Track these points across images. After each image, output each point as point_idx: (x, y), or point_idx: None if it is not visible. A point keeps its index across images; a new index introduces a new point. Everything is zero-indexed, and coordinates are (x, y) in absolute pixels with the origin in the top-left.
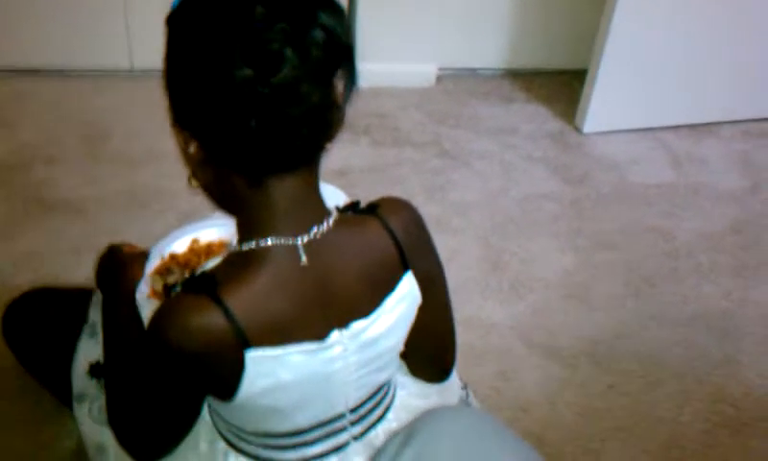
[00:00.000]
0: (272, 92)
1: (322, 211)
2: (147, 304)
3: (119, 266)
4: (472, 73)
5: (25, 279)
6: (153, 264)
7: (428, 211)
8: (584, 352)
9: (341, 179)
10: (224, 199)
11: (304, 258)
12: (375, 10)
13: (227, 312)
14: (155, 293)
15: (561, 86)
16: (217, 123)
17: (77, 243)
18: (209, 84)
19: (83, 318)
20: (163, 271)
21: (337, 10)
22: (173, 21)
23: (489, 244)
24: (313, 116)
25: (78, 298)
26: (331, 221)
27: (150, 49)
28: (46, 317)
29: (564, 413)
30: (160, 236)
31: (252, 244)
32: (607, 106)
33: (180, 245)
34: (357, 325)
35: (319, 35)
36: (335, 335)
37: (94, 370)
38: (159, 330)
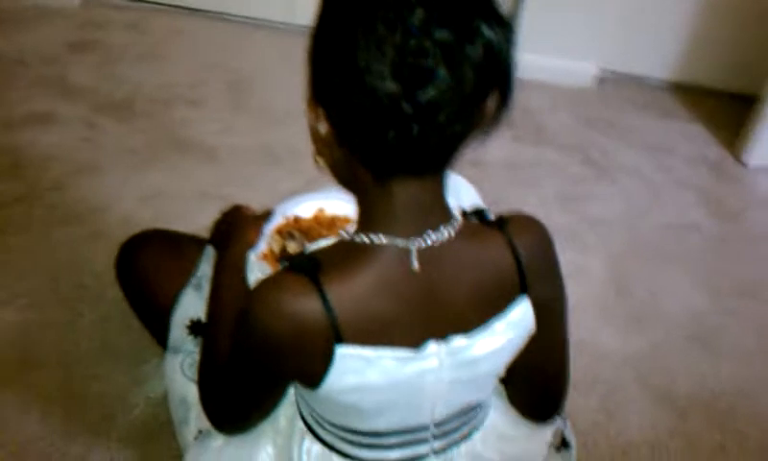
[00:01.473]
0: (415, 111)
1: (444, 217)
2: (257, 267)
3: (236, 228)
4: (635, 80)
5: (148, 215)
6: (275, 221)
7: (559, 221)
8: (700, 403)
9: (473, 169)
10: (348, 182)
11: (416, 264)
12: None
13: (324, 301)
14: (271, 253)
15: (729, 110)
16: (353, 120)
17: (204, 188)
18: (352, 84)
19: (192, 267)
20: (284, 233)
21: (503, 22)
22: (331, 3)
23: (618, 267)
24: (454, 137)
25: (191, 246)
26: (452, 229)
27: (313, 5)
28: (157, 260)
29: None
30: (287, 195)
31: (366, 238)
32: None
33: (305, 209)
34: (458, 341)
35: (478, 53)
36: (432, 347)
37: (194, 327)
38: (254, 307)
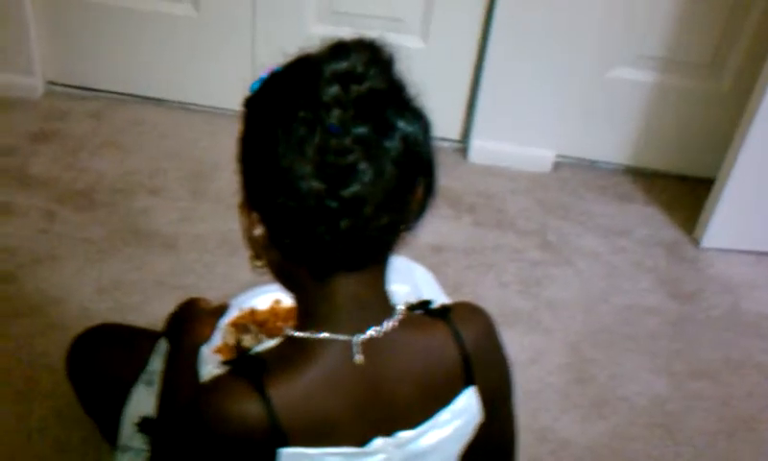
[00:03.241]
0: (341, 207)
1: (386, 309)
2: (210, 361)
3: (190, 320)
4: (591, 165)
5: (105, 306)
6: (231, 314)
7: (519, 305)
8: None
9: (436, 256)
10: (287, 282)
11: (358, 357)
12: (498, 87)
13: (268, 404)
14: (225, 347)
15: (684, 193)
16: (284, 221)
17: (162, 278)
18: (278, 186)
19: (144, 362)
20: (239, 326)
21: (419, 115)
22: (250, 106)
23: (577, 351)
24: (384, 228)
25: (144, 340)
26: (394, 321)
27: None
28: (108, 355)
29: None
30: (247, 284)
31: (308, 334)
32: (731, 221)
33: (262, 301)
34: (404, 435)
35: (396, 146)
36: (379, 443)
37: (144, 424)
38: (197, 410)
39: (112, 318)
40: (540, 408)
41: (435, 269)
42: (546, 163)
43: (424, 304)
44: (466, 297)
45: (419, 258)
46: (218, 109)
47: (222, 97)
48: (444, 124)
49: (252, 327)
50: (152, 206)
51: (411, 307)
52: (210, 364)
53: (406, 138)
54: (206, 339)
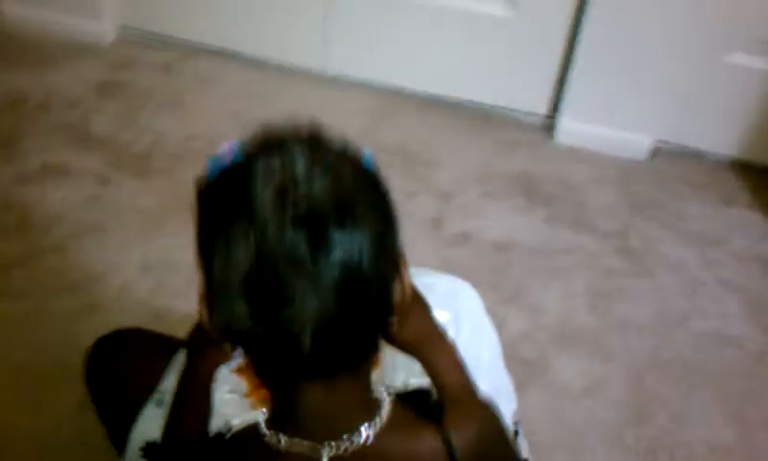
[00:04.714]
0: (271, 332)
1: (364, 414)
2: (230, 381)
3: (209, 340)
4: (694, 155)
5: (146, 288)
6: None
7: (584, 322)
8: None
9: (498, 255)
10: (258, 377)
11: None
12: (595, 61)
13: None
14: (248, 366)
15: None
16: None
17: None
18: (215, 299)
19: (158, 379)
20: None
21: (360, 225)
22: (200, 200)
23: (641, 384)
24: (335, 351)
25: (163, 352)
26: (373, 429)
27: (345, 56)
28: (122, 367)
29: None
30: None
31: (275, 437)
32: None
33: None
34: None
35: (335, 273)
36: None
37: (148, 450)
38: None
39: (153, 301)
40: (585, 449)
41: (495, 271)
42: (642, 150)
43: (419, 396)
44: (524, 307)
45: (480, 256)
46: (294, 68)
47: (297, 55)
48: (529, 97)
49: None
50: None
51: (401, 395)
52: (228, 385)
53: (348, 261)
54: (228, 358)
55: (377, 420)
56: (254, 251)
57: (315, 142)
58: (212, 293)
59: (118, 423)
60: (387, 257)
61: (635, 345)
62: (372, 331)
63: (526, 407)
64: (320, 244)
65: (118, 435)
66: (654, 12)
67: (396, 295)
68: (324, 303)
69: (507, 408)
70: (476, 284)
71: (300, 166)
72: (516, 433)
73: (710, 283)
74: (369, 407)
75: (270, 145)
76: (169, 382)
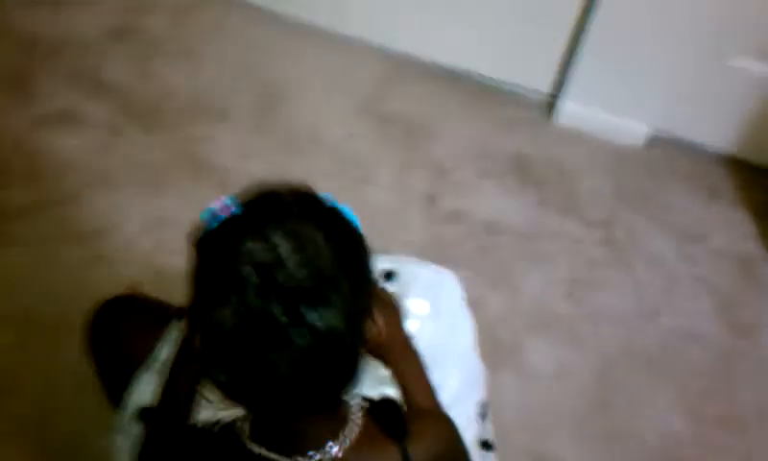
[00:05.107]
0: (245, 395)
1: (334, 431)
2: None
3: None
4: (688, 148)
5: (149, 244)
6: None
7: (560, 309)
8: None
9: (487, 237)
10: None
11: None
12: (606, 45)
13: None
14: None
15: None
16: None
17: None
18: (202, 345)
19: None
20: None
21: (331, 301)
22: (198, 248)
23: (605, 376)
24: (306, 403)
25: (162, 320)
26: (340, 446)
27: (358, 17)
28: (122, 332)
29: None
30: None
31: (254, 445)
32: None
33: None
34: None
35: (304, 341)
36: None
37: (143, 414)
38: None
39: (153, 259)
40: (549, 431)
41: (482, 253)
42: (638, 137)
43: (387, 408)
44: (504, 289)
45: (469, 236)
46: (306, 25)
47: (311, 12)
48: (535, 74)
49: None
50: (213, 134)
51: (371, 404)
52: None
53: (315, 331)
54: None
55: (346, 438)
56: (238, 317)
57: (302, 210)
58: (198, 325)
59: (115, 385)
60: (358, 324)
61: (606, 335)
62: (342, 382)
63: (496, 389)
64: (293, 317)
65: (114, 394)
66: (666, 6)
67: (370, 331)
68: (294, 364)
69: (476, 396)
70: (462, 264)
71: (284, 248)
72: (484, 416)
73: (686, 280)
74: (339, 424)
75: (259, 218)
76: (163, 353)
